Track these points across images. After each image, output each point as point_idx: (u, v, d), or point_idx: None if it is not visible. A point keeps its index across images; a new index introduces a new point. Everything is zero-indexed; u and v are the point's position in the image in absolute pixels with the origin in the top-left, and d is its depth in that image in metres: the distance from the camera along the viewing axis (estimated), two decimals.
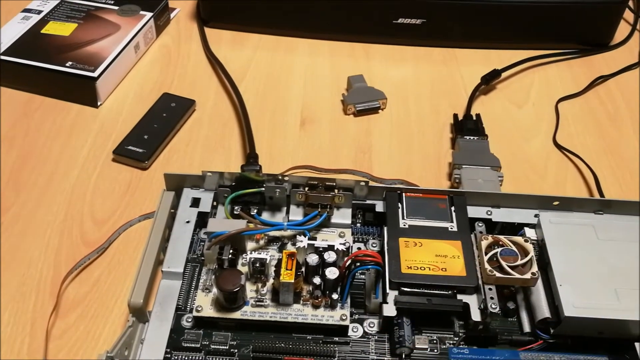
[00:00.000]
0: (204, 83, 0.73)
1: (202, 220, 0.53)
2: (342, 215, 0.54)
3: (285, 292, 0.47)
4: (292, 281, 0.46)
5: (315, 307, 0.47)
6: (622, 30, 0.81)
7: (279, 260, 0.47)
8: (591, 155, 0.65)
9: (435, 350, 0.47)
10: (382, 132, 0.67)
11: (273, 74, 0.74)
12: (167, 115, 0.66)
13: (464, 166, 0.60)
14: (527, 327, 0.48)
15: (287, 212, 0.54)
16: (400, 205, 0.53)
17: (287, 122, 0.68)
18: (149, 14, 0.76)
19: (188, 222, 0.53)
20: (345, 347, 0.47)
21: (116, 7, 0.76)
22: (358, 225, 0.55)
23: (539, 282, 0.48)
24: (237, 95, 0.69)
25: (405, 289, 0.47)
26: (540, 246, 0.50)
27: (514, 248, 0.48)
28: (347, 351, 0.47)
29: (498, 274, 0.47)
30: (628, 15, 0.82)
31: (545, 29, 0.77)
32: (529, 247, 0.48)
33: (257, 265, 0.48)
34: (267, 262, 0.48)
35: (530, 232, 0.52)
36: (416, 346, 0.47)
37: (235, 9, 0.79)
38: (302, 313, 0.47)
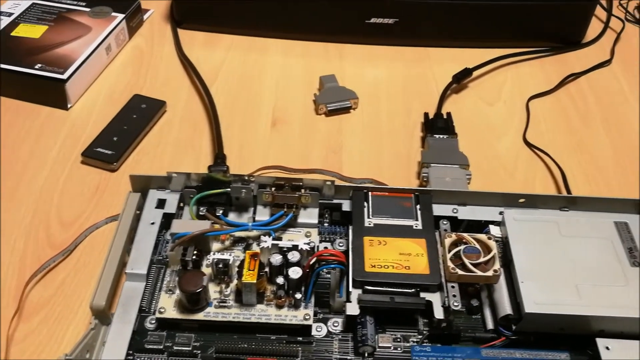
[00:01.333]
0: (176, 84, 0.72)
1: (168, 221, 0.53)
2: (309, 215, 0.54)
3: (248, 292, 0.46)
4: (254, 281, 0.46)
5: (279, 307, 0.47)
6: (596, 27, 0.82)
7: (242, 261, 0.47)
8: (561, 152, 0.65)
9: (399, 349, 0.47)
10: (353, 132, 0.68)
11: (246, 74, 0.74)
12: (137, 117, 0.66)
13: (432, 165, 0.60)
14: (490, 324, 0.48)
15: (254, 213, 0.54)
16: (366, 204, 0.53)
17: (258, 122, 0.68)
18: (120, 16, 0.75)
19: (153, 223, 0.53)
20: (309, 347, 0.47)
21: (87, 9, 0.76)
22: (326, 224, 0.55)
23: (502, 279, 0.48)
24: (207, 96, 0.69)
25: (369, 288, 0.47)
26: (505, 243, 0.51)
27: (477, 245, 0.48)
28: (310, 351, 0.47)
29: (460, 272, 0.47)
30: (601, 13, 0.83)
31: (518, 28, 0.77)
32: (492, 244, 0.48)
33: (220, 266, 0.48)
34: (230, 262, 0.48)
35: (495, 230, 0.52)
36: (379, 345, 0.47)
37: (208, 9, 0.79)
38: (265, 313, 0.47)
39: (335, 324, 0.48)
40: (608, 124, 0.69)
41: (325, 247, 0.52)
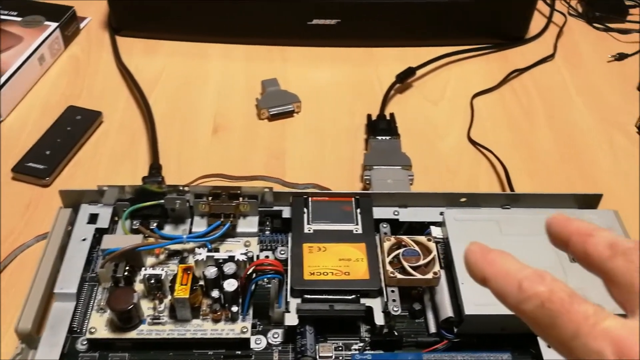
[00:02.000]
0: (114, 94, 0.70)
1: (100, 237, 0.51)
2: (249, 224, 0.52)
3: (181, 308, 0.45)
4: (187, 296, 0.44)
5: (215, 321, 0.46)
6: (539, 23, 0.82)
7: (175, 275, 0.45)
8: (505, 149, 0.65)
9: (341, 358, 0.46)
10: (296, 136, 0.66)
11: (186, 81, 0.73)
12: (71, 129, 0.64)
13: (374, 167, 0.59)
14: (432, 328, 0.47)
15: (191, 224, 0.52)
16: (306, 210, 0.52)
17: (198, 130, 0.66)
18: (54, 25, 0.73)
19: (84, 239, 0.51)
20: None
21: (19, 19, 0.73)
22: (267, 233, 0.54)
23: (444, 281, 0.48)
24: (145, 105, 0.67)
25: (308, 296, 0.46)
26: (446, 244, 0.50)
27: (416, 248, 0.48)
28: None
29: (399, 276, 0.46)
30: (544, 8, 0.83)
31: (461, 25, 0.77)
32: (432, 246, 0.48)
33: (153, 281, 0.46)
34: (163, 277, 0.46)
35: (436, 231, 0.51)
36: (320, 354, 0.45)
37: (147, 16, 0.77)
38: (201, 328, 0.45)
39: (275, 336, 0.47)
40: (551, 119, 0.69)
41: (266, 256, 0.51)
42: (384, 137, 0.63)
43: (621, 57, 0.77)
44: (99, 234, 0.51)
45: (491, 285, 0.27)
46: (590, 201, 0.53)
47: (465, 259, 0.28)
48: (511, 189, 0.59)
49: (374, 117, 0.66)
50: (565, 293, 0.24)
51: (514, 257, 0.27)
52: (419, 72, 0.73)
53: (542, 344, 0.45)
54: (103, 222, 0.52)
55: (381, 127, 0.64)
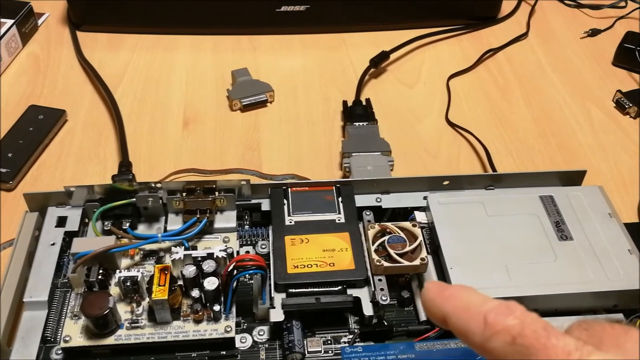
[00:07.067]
0: (77, 91, 0.67)
1: (71, 240, 0.48)
2: (226, 219, 0.50)
3: (160, 309, 0.43)
4: (166, 298, 0.42)
5: (197, 321, 0.44)
6: (511, 1, 0.81)
7: (152, 276, 0.43)
8: (483, 129, 0.64)
9: (330, 352, 0.44)
10: (271, 126, 0.64)
11: (153, 75, 0.70)
12: (34, 129, 0.61)
13: (353, 154, 0.57)
14: (423, 316, 0.46)
15: (166, 222, 0.50)
16: (285, 201, 0.50)
17: (168, 124, 0.64)
18: (10, 22, 0.69)
19: (53, 244, 0.48)
20: None
21: None
22: (246, 227, 0.52)
23: (432, 267, 0.46)
24: (111, 101, 0.64)
25: (293, 290, 0.44)
26: (431, 229, 0.49)
27: (402, 234, 0.46)
28: None
29: (386, 264, 0.44)
30: None
31: (433, 7, 0.76)
32: (417, 231, 0.46)
33: (128, 284, 0.43)
34: (139, 279, 0.43)
35: (420, 216, 0.50)
36: (309, 349, 0.44)
37: (108, 9, 0.74)
38: (182, 330, 0.43)
39: (261, 333, 0.45)
40: (528, 98, 0.68)
41: (247, 252, 0.49)
42: (361, 123, 0.61)
43: (594, 32, 0.77)
44: (69, 237, 0.49)
45: (452, 323, 0.24)
46: (574, 178, 0.53)
47: (422, 299, 0.25)
48: (493, 169, 0.58)
49: (349, 103, 0.65)
50: (539, 325, 0.21)
51: (475, 290, 0.24)
52: (392, 56, 0.72)
53: None
54: (72, 224, 0.49)
55: (358, 113, 0.62)
